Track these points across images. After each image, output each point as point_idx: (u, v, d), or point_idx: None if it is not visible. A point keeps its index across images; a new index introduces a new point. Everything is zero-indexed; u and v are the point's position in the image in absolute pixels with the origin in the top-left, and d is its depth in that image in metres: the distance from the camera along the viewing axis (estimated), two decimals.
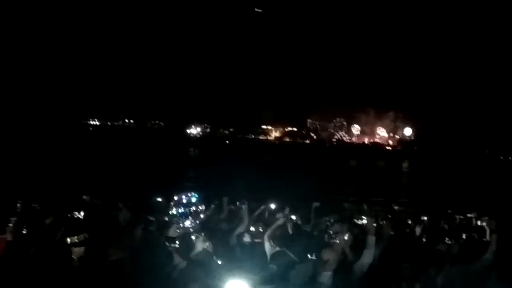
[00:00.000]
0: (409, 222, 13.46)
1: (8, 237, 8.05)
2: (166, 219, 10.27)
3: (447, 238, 9.95)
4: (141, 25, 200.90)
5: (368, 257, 7.67)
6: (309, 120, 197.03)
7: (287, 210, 11.72)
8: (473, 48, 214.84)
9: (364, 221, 10.51)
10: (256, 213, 11.54)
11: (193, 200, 12.24)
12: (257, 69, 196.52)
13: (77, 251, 8.75)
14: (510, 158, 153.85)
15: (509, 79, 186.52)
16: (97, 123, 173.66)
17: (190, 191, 12.98)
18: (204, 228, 10.18)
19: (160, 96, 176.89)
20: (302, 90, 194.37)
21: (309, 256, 7.69)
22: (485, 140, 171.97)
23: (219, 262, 7.78)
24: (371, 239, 7.81)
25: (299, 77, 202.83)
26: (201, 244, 8.18)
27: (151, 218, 10.07)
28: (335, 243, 8.25)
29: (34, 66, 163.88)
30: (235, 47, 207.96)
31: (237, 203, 13.01)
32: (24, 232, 8.75)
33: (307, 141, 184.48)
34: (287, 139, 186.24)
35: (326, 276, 7.06)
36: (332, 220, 12.00)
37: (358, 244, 8.23)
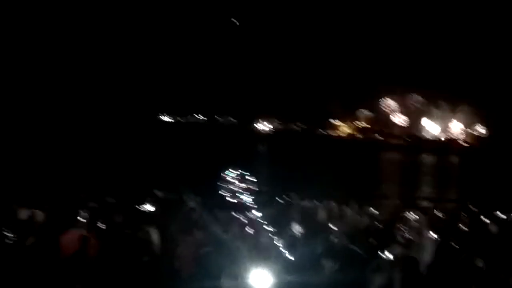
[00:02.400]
0: (484, 219, 13.10)
1: (83, 231, 8.31)
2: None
3: None
4: (202, 25, 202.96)
5: (429, 250, 7.53)
6: (379, 115, 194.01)
7: (355, 208, 11.67)
8: None
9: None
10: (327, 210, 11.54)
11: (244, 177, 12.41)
12: (327, 62, 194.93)
13: (147, 246, 9.01)
14: None
15: None
16: (170, 119, 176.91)
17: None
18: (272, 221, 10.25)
19: (230, 91, 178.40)
20: (373, 84, 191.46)
21: (380, 253, 7.61)
22: None
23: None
24: (427, 232, 7.66)
25: (370, 71, 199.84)
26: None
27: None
28: (402, 238, 8.16)
29: (104, 64, 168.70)
30: (302, 39, 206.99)
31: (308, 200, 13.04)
32: (100, 226, 9.03)
33: (380, 138, 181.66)
34: (359, 135, 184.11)
35: (396, 273, 6.97)
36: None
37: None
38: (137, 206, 10.74)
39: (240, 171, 13.27)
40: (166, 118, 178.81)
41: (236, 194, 13.03)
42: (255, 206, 11.78)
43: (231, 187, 14.06)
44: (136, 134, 75.36)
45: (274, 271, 6.81)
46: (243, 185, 12.99)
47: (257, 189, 12.90)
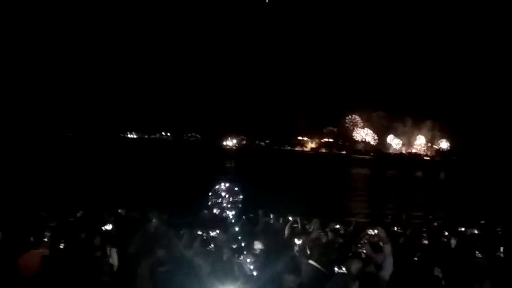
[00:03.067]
0: (446, 233, 13.28)
1: (45, 251, 8.18)
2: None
3: (477, 252, 9.84)
4: (177, 41, 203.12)
5: (388, 265, 7.60)
6: (345, 131, 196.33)
7: (318, 223, 11.73)
8: None
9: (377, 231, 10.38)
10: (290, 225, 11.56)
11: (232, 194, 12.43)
12: (293, 81, 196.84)
13: (109, 262, 8.91)
14: None
15: None
16: (135, 136, 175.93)
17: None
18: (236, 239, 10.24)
19: (196, 109, 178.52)
20: (338, 101, 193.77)
21: (336, 268, 7.67)
22: None
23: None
24: (387, 248, 7.75)
25: (336, 87, 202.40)
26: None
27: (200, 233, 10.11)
28: (361, 253, 8.24)
29: (72, 81, 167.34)
30: (270, 60, 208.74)
31: (272, 216, 13.07)
32: (61, 246, 8.89)
33: (343, 152, 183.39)
34: (323, 150, 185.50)
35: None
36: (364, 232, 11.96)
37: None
38: (98, 225, 10.61)
39: (206, 187, 13.24)
40: (131, 135, 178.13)
41: (202, 211, 12.96)
42: (221, 223, 11.74)
43: (197, 203, 14.00)
44: (99, 151, 74.66)
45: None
46: (208, 202, 12.93)
47: (223, 206, 12.83)
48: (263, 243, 9.58)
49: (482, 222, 15.94)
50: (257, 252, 9.12)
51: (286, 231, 11.23)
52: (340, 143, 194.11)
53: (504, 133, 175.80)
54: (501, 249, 10.76)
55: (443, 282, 7.85)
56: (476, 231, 13.99)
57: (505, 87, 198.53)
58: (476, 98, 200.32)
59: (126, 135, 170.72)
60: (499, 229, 14.86)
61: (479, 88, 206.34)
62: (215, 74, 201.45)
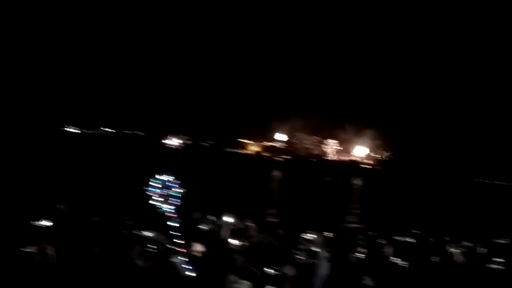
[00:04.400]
0: (381, 242, 13.51)
1: None
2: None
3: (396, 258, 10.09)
4: (123, 32, 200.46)
5: (323, 270, 7.69)
6: (288, 136, 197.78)
7: (256, 226, 11.77)
8: (456, 70, 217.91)
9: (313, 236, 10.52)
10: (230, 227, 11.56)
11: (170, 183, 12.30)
12: (238, 85, 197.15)
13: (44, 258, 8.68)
14: (487, 181, 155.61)
15: (488, 105, 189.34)
16: (76, 130, 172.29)
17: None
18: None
19: (141, 106, 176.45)
20: (282, 106, 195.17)
21: (271, 270, 7.71)
22: (462, 162, 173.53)
23: None
24: (323, 254, 7.85)
25: (280, 92, 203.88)
26: None
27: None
28: (299, 258, 8.31)
29: (14, 71, 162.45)
30: (216, 61, 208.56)
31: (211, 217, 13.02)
32: None
33: (286, 157, 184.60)
34: (266, 154, 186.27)
35: None
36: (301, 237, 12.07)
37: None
38: (34, 221, 10.31)
39: (148, 184, 13.04)
40: (71, 129, 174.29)
41: (141, 210, 12.77)
42: (158, 222, 11.58)
43: (136, 202, 13.79)
44: (38, 145, 72.71)
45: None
46: (148, 201, 12.75)
47: (171, 207, 12.69)
48: (203, 244, 9.54)
49: (417, 231, 16.32)
50: (197, 253, 9.07)
51: (225, 233, 11.21)
52: (283, 147, 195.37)
53: (444, 143, 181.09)
54: (434, 257, 11.06)
55: None
56: (409, 240, 14.33)
57: (445, 99, 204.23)
58: (418, 109, 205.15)
59: (66, 129, 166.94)
60: (431, 238, 15.24)
61: (420, 99, 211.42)
62: (161, 72, 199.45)
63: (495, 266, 10.90)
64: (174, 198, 12.46)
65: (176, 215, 12.07)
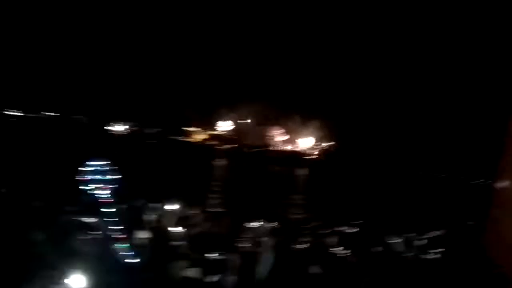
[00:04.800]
0: (323, 232, 13.74)
1: None
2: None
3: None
4: (65, 12, 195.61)
5: (267, 258, 7.78)
6: (234, 124, 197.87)
7: (201, 213, 11.79)
8: (406, 62, 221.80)
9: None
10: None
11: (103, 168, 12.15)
12: (187, 72, 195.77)
13: None
14: (430, 174, 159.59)
15: (434, 99, 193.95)
16: (17, 114, 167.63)
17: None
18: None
19: (86, 91, 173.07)
20: (229, 94, 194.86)
21: (215, 258, 7.77)
22: (406, 156, 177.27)
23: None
24: (267, 242, 7.95)
25: (227, 80, 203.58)
26: None
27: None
28: (243, 247, 8.39)
29: None
30: (162, 45, 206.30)
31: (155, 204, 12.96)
32: None
33: (232, 145, 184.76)
34: (212, 142, 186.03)
35: (230, 280, 7.14)
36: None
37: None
38: None
39: (91, 171, 12.81)
40: (12, 113, 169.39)
41: (84, 196, 12.55)
42: (102, 209, 11.42)
43: (79, 188, 13.54)
44: None
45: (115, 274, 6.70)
46: (92, 187, 12.54)
47: (106, 192, 12.50)
48: (146, 231, 9.48)
49: (360, 221, 16.68)
50: (140, 241, 9.02)
51: (169, 220, 11.16)
52: (230, 136, 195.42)
53: (387, 135, 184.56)
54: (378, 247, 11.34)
55: (322, 279, 8.13)
56: (352, 230, 14.63)
57: (389, 91, 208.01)
58: (362, 102, 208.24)
59: (7, 113, 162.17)
60: (375, 228, 15.60)
61: (365, 91, 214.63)
62: (108, 56, 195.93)
63: (432, 257, 11.25)
64: (113, 184, 12.31)
65: (117, 202, 11.95)
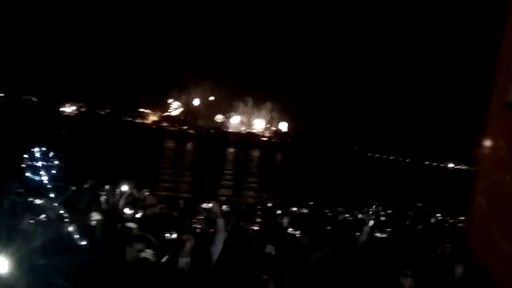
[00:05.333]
0: (278, 212, 13.81)
1: None
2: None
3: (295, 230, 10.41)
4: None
5: (220, 240, 7.77)
6: (187, 106, 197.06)
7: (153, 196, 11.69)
8: (352, 46, 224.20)
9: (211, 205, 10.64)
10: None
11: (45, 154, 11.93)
12: (139, 54, 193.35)
13: None
14: (377, 155, 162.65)
15: (382, 81, 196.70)
16: None
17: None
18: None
19: (35, 72, 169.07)
20: (182, 76, 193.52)
21: (169, 239, 7.74)
22: (355, 137, 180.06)
23: None
24: (220, 222, 7.93)
25: (180, 62, 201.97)
26: None
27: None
28: (195, 228, 8.34)
29: None
30: (115, 27, 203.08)
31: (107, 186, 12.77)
32: None
33: (185, 127, 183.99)
34: (165, 124, 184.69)
35: (184, 261, 7.10)
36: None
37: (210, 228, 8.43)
38: None
39: (40, 152, 12.50)
40: None
41: (33, 178, 12.27)
42: (54, 192, 11.18)
43: (28, 170, 13.22)
44: None
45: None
46: (41, 169, 12.27)
47: (56, 174, 12.26)
48: (97, 213, 9.34)
49: (311, 203, 16.86)
50: (94, 223, 8.87)
51: (121, 203, 11.02)
52: (183, 118, 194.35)
53: (341, 117, 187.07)
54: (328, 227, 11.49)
55: (274, 259, 8.16)
56: (305, 211, 14.79)
57: (343, 72, 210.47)
58: (316, 83, 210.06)
59: None
60: (327, 210, 15.80)
61: (318, 73, 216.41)
62: (55, 38, 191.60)
63: (383, 235, 11.46)
64: (58, 169, 12.08)
65: (65, 184, 11.73)
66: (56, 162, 12.37)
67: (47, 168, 11.90)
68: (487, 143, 4.56)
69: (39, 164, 12.04)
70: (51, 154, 12.52)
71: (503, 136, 4.27)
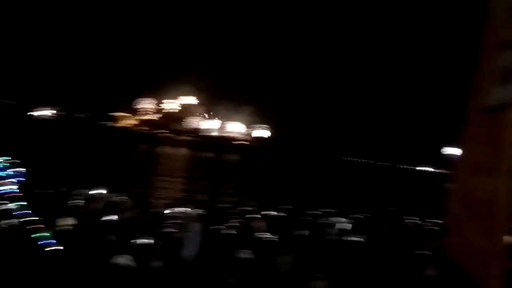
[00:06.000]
0: (251, 216, 13.84)
1: None
2: None
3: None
4: None
5: (194, 244, 7.80)
6: (163, 110, 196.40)
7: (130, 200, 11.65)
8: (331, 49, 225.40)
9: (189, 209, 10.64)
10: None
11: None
12: (115, 58, 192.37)
13: None
14: (355, 160, 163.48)
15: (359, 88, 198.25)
16: None
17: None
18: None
19: (12, 74, 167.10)
20: (157, 79, 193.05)
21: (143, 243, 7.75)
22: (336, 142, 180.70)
23: None
24: (194, 226, 7.96)
25: (157, 66, 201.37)
26: None
27: None
28: (171, 232, 8.38)
29: None
30: (91, 32, 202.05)
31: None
32: None
33: (163, 131, 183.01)
34: (145, 128, 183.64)
35: (159, 264, 7.13)
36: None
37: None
38: None
39: (8, 157, 12.34)
40: None
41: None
42: (25, 198, 11.03)
43: None
44: None
45: None
46: (10, 172, 12.10)
47: (24, 178, 12.12)
48: (70, 218, 9.27)
49: (288, 207, 16.92)
50: (64, 228, 8.81)
51: (95, 206, 10.96)
52: (159, 122, 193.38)
53: (317, 122, 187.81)
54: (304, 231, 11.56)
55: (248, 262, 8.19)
56: (280, 214, 14.86)
57: (320, 76, 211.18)
58: (296, 89, 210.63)
59: None
60: (301, 213, 15.88)
61: (298, 79, 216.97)
62: (35, 38, 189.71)
63: (356, 239, 11.54)
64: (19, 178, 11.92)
65: (34, 190, 11.58)
66: (23, 169, 12.24)
67: (12, 177, 11.75)
68: (465, 147, 4.61)
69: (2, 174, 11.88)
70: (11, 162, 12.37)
71: (480, 140, 4.30)
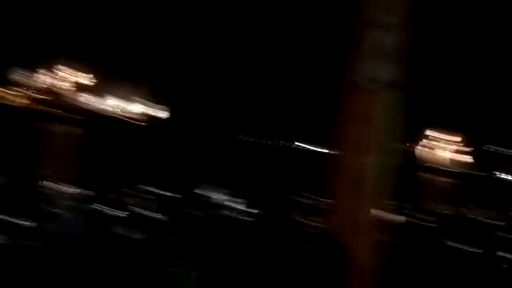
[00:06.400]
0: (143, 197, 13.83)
1: None
2: None
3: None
4: None
5: (80, 224, 7.74)
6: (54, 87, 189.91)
7: None
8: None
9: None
10: None
11: None
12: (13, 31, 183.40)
13: None
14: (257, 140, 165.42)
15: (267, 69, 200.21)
16: None
17: None
18: None
19: None
20: (54, 54, 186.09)
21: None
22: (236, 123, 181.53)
23: None
24: (81, 207, 7.91)
25: (49, 39, 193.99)
26: None
27: None
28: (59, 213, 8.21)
29: None
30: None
31: None
32: None
33: (58, 110, 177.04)
34: (37, 107, 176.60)
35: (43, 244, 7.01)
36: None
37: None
38: None
39: None
40: None
41: None
42: None
43: None
44: None
45: None
46: None
47: None
48: None
49: (182, 186, 16.99)
50: None
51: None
52: (54, 100, 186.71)
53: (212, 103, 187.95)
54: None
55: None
56: (175, 195, 14.90)
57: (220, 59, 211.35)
58: (194, 69, 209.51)
59: None
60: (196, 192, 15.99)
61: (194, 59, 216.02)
62: None
63: (249, 219, 11.77)
64: None
65: None
66: None
67: None
68: (341, 125, 4.75)
69: None
70: None
71: (355, 117, 4.46)
